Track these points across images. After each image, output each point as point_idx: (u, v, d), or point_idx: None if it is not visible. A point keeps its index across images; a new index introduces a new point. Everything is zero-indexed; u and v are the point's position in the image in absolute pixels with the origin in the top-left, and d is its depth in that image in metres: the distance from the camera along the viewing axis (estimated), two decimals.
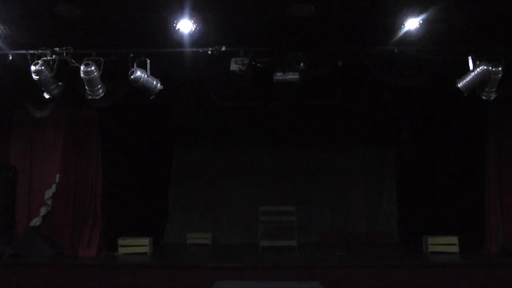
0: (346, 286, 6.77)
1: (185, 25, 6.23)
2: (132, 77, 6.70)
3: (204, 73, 7.13)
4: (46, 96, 7.04)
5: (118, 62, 6.85)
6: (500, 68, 6.65)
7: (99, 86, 6.88)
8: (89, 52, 6.86)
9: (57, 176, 8.30)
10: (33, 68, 6.69)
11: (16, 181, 8.39)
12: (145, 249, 8.38)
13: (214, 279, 6.39)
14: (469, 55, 6.81)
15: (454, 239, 8.10)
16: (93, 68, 6.68)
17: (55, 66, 6.82)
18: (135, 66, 6.77)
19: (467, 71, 6.81)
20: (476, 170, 8.46)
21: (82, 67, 6.67)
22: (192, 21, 6.17)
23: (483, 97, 7.00)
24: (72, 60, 6.79)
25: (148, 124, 10.04)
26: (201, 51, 6.81)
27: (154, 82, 6.91)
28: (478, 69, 6.71)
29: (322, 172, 11.07)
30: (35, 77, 6.73)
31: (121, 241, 8.36)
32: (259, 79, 7.09)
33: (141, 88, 6.88)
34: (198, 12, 5.98)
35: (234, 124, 10.98)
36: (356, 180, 11.09)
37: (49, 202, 8.25)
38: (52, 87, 6.95)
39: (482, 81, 6.78)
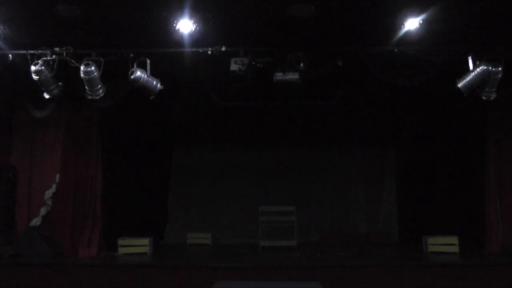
0: (346, 286, 6.77)
1: (185, 25, 6.24)
2: (132, 77, 6.70)
3: (204, 73, 7.14)
4: (46, 96, 7.05)
5: (118, 62, 6.86)
6: (500, 68, 6.65)
7: (99, 86, 6.88)
8: (89, 52, 6.86)
9: (57, 176, 8.29)
10: (33, 68, 6.69)
11: (16, 181, 8.38)
12: (145, 249, 8.38)
13: (214, 279, 6.39)
14: (469, 55, 6.81)
15: (454, 239, 8.10)
16: (93, 68, 6.68)
17: (55, 66, 6.82)
18: (135, 66, 6.77)
19: (467, 71, 6.81)
20: (476, 170, 8.46)
21: (82, 67, 6.67)
22: (192, 21, 6.17)
23: (483, 97, 7.00)
24: (72, 60, 6.79)
25: (148, 124, 10.03)
26: (201, 51, 6.81)
27: (154, 82, 6.91)
28: (478, 69, 6.71)
29: (322, 172, 11.07)
30: (35, 77, 6.73)
31: (121, 241, 8.35)
32: (259, 79, 7.10)
33: (141, 88, 6.88)
34: (198, 12, 5.98)
35: (234, 124, 10.97)
36: (356, 180, 11.09)
37: (49, 202, 8.25)
38: (52, 87, 6.95)
39: (482, 81, 6.78)
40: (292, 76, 6.78)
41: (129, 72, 6.72)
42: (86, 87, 6.86)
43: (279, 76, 6.80)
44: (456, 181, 9.07)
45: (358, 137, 11.10)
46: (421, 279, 6.83)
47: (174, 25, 6.22)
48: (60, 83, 7.01)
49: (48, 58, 6.81)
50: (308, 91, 8.54)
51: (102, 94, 6.96)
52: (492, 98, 6.98)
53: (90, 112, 8.25)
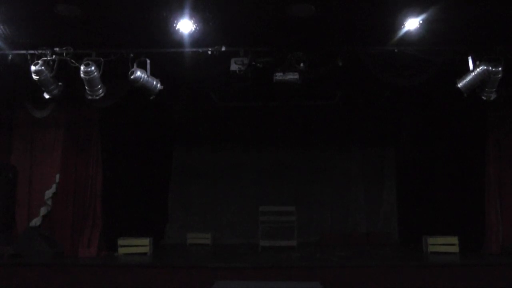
0: (346, 286, 6.77)
1: (185, 25, 6.24)
2: (132, 77, 6.70)
3: (204, 73, 7.13)
4: (46, 96, 7.04)
5: (118, 62, 6.86)
6: (500, 68, 6.65)
7: (99, 86, 6.88)
8: (89, 52, 6.86)
9: (57, 176, 8.29)
10: (33, 68, 6.69)
11: (16, 181, 8.37)
12: (145, 249, 8.38)
13: (214, 279, 6.39)
14: (469, 55, 6.81)
15: (454, 239, 8.10)
16: (93, 68, 6.68)
17: (55, 66, 6.82)
18: (135, 66, 6.77)
19: (467, 71, 6.81)
20: (476, 170, 8.45)
21: (82, 67, 6.67)
22: (192, 21, 6.17)
23: (483, 97, 7.00)
24: (72, 60, 6.79)
25: (148, 124, 10.03)
26: (201, 51, 6.82)
27: (154, 82, 6.91)
28: (478, 69, 6.71)
29: (322, 172, 11.07)
30: (35, 77, 6.73)
31: (121, 241, 8.35)
32: (259, 79, 7.10)
33: (141, 88, 6.88)
34: (198, 12, 5.98)
35: (234, 124, 10.98)
36: (356, 180, 11.09)
37: (49, 202, 8.25)
38: (52, 87, 6.95)
39: (482, 81, 6.78)
40: (292, 76, 6.78)
41: (129, 72, 6.72)
42: (86, 87, 6.86)
43: (279, 76, 6.80)
44: (456, 181, 9.06)
45: (358, 137, 11.10)
46: (421, 279, 6.83)
47: (174, 25, 6.22)
48: (60, 83, 7.01)
49: (48, 58, 6.81)
50: (308, 91, 8.54)
51: (102, 94, 6.96)
52: (492, 98, 6.98)
53: (90, 112, 8.24)
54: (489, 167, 8.11)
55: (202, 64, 6.96)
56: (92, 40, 6.79)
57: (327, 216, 10.94)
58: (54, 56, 6.82)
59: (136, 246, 8.36)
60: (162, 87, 6.97)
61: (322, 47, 6.94)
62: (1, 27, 6.33)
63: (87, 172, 8.24)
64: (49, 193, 8.26)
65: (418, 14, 6.01)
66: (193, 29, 6.31)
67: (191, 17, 6.09)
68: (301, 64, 6.78)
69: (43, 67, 6.70)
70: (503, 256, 7.55)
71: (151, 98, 7.03)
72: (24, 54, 6.89)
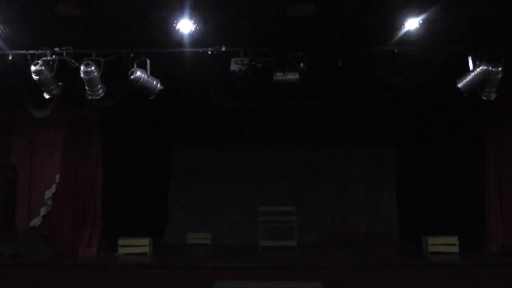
0: (346, 286, 6.77)
1: (185, 25, 6.23)
2: (132, 77, 6.70)
3: (204, 73, 7.13)
4: (46, 96, 7.04)
5: (118, 62, 6.85)
6: (500, 68, 6.65)
7: (99, 86, 6.88)
8: (89, 52, 6.86)
9: (57, 176, 8.30)
10: (33, 68, 6.69)
11: (16, 181, 8.39)
12: (145, 249, 8.39)
13: (214, 279, 6.39)
14: (469, 55, 6.80)
15: (454, 239, 8.11)
16: (93, 68, 6.68)
17: (55, 66, 6.82)
18: (135, 66, 6.77)
19: (467, 71, 6.81)
20: (476, 170, 8.45)
21: (82, 67, 6.67)
22: (192, 21, 6.16)
23: (483, 97, 6.99)
24: (72, 60, 6.79)
25: (148, 124, 10.04)
26: (201, 51, 6.81)
27: (154, 82, 6.91)
28: (478, 69, 6.70)
29: (322, 172, 11.07)
30: (35, 77, 6.73)
31: (121, 241, 8.36)
32: (259, 79, 7.09)
33: (141, 88, 6.88)
34: (198, 12, 5.98)
35: (234, 124, 10.97)
36: (356, 180, 11.08)
37: (49, 202, 8.25)
38: (52, 87, 6.94)
39: (482, 81, 6.77)
40: (292, 76, 6.78)
41: (129, 72, 6.72)
42: (86, 87, 6.86)
43: (279, 76, 6.80)
44: (456, 181, 9.06)
45: (358, 137, 11.09)
46: (421, 279, 6.83)
47: (174, 25, 6.21)
48: (60, 83, 7.01)
49: (48, 58, 6.80)
50: (308, 91, 8.54)
51: (102, 94, 6.96)
52: (492, 98, 6.98)
53: (90, 112, 8.25)
54: (489, 167, 8.11)
55: (202, 64, 6.95)
56: (92, 40, 6.78)
57: (327, 216, 10.94)
58: (54, 56, 6.81)
59: (136, 246, 8.37)
60: (162, 87, 6.97)
61: (322, 47, 6.94)
62: (1, 27, 6.32)
63: (87, 172, 8.25)
64: (49, 193, 8.27)
65: (418, 14, 6.00)
66: (193, 29, 6.30)
67: (191, 17, 6.08)
68: (301, 64, 6.77)
69: (43, 67, 6.70)
70: (503, 256, 7.55)
71: (151, 98, 7.03)
72: (24, 54, 6.88)
